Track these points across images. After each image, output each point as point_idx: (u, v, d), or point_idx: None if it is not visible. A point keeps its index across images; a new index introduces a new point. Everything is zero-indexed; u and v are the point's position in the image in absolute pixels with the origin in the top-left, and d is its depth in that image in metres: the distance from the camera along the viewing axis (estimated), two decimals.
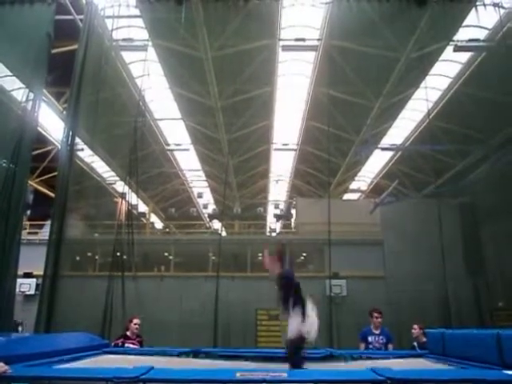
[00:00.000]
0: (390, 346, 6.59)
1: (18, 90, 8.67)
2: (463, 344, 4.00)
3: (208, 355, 4.92)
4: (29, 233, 16.39)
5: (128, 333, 6.54)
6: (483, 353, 3.55)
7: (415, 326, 6.83)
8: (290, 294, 3.87)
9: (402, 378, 2.81)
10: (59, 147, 10.67)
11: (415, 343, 6.69)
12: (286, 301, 3.86)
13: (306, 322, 3.71)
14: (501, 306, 13.86)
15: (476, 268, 14.04)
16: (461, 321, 11.74)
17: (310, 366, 3.75)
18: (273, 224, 23.01)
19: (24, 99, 7.95)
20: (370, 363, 3.94)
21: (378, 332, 6.64)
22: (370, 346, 6.55)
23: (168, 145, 18.68)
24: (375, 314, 6.72)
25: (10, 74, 9.09)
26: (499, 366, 3.23)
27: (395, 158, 19.01)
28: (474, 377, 2.93)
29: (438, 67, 13.05)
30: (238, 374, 2.82)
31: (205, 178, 22.85)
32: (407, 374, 2.92)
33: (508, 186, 11.29)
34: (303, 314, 3.75)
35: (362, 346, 6.69)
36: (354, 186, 23.20)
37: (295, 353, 3.74)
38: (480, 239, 14.40)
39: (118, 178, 19.06)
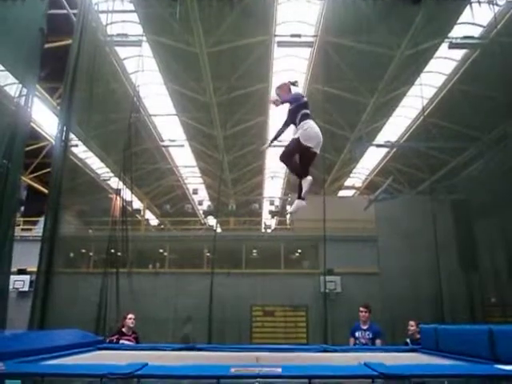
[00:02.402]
0: (378, 342, 6.63)
1: (10, 86, 8.59)
2: (456, 339, 4.04)
3: (202, 351, 4.92)
4: (22, 229, 16.30)
5: (124, 329, 6.53)
6: (475, 348, 3.58)
7: (412, 323, 6.86)
8: (299, 111, 4.30)
9: (394, 373, 2.83)
10: (53, 143, 10.61)
11: (408, 340, 6.74)
12: (295, 117, 4.32)
13: (311, 131, 4.19)
14: (493, 301, 13.97)
15: (469, 264, 14.14)
16: (453, 316, 11.83)
17: (305, 361, 3.76)
18: (268, 220, 23.04)
19: (17, 94, 7.86)
20: (361, 357, 3.96)
21: (365, 327, 6.71)
22: (357, 342, 6.62)
23: (163, 141, 18.61)
24: (360, 309, 6.82)
25: (3, 69, 9.01)
26: (491, 361, 3.26)
27: (390, 154, 19.07)
28: (466, 371, 2.96)
29: (433, 64, 13.09)
30: (232, 370, 2.82)
31: (200, 175, 22.80)
32: (400, 369, 2.93)
33: (502, 182, 11.37)
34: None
35: (351, 341, 6.76)
36: (348, 182, 23.26)
37: (286, 156, 4.29)
38: (474, 236, 14.49)
39: (112, 174, 18.96)
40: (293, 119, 4.37)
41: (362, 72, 13.12)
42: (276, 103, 4.44)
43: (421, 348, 4.89)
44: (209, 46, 12.13)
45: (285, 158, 4.33)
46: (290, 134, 4.52)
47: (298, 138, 4.16)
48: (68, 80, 8.58)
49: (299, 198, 4.46)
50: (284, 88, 4.61)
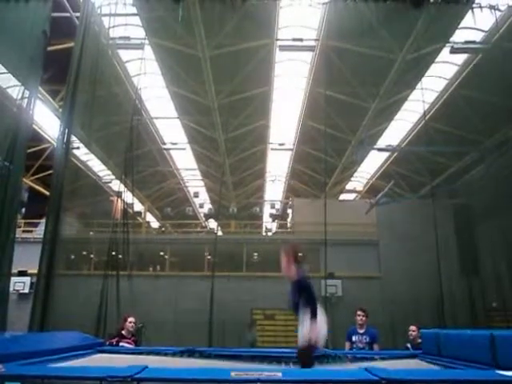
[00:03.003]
0: (376, 346, 6.54)
1: (13, 88, 8.62)
2: (457, 344, 4.02)
3: (203, 355, 4.91)
4: (23, 231, 16.33)
5: (123, 332, 6.52)
6: (477, 353, 3.56)
7: (413, 328, 6.81)
8: (305, 299, 3.81)
9: (395, 378, 2.81)
10: (55, 145, 10.63)
11: (408, 344, 6.70)
12: (298, 305, 3.82)
13: (315, 329, 3.69)
14: (494, 306, 13.94)
15: (470, 268, 14.12)
16: (455, 321, 11.81)
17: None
18: (269, 224, 23.03)
19: (19, 97, 7.89)
20: (362, 362, 3.95)
21: (362, 331, 6.60)
22: (354, 346, 6.53)
23: (164, 144, 18.64)
24: (357, 313, 6.71)
25: (6, 71, 9.05)
26: (492, 367, 3.25)
27: (391, 158, 19.07)
28: (467, 377, 2.94)
29: (435, 69, 13.11)
30: (232, 374, 2.81)
31: (201, 178, 22.83)
32: (401, 375, 2.92)
33: (503, 187, 11.36)
34: (314, 317, 3.73)
35: (347, 345, 6.67)
36: (350, 186, 23.26)
37: (306, 360, 3.69)
38: (475, 240, 14.48)
39: (113, 177, 19.00)
40: (295, 298, 3.88)
41: (363, 76, 13.15)
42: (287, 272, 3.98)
43: (422, 353, 4.86)
44: (211, 50, 12.17)
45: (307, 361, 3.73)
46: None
47: (313, 344, 3.67)
48: (70, 82, 8.60)
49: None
50: (291, 257, 4.06)
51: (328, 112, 13.84)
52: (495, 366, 3.21)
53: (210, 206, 24.05)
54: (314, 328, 3.68)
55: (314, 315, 3.76)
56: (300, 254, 4.07)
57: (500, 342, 3.33)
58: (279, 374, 2.85)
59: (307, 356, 3.69)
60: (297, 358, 3.83)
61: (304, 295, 3.84)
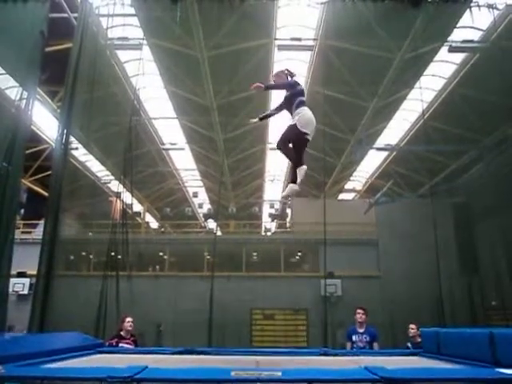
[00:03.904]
0: (376, 345, 6.56)
1: (11, 89, 8.61)
2: (457, 343, 4.02)
3: (202, 355, 4.90)
4: (22, 232, 16.30)
5: (122, 332, 6.51)
6: (477, 351, 3.56)
7: (412, 326, 6.82)
8: (295, 99, 4.40)
9: (395, 376, 2.81)
10: (53, 146, 10.62)
11: (409, 344, 6.71)
12: (291, 104, 4.42)
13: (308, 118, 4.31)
14: (494, 305, 13.95)
15: (470, 267, 14.14)
16: (454, 320, 11.81)
17: (305, 365, 3.75)
18: (268, 223, 23.03)
19: (18, 97, 7.88)
20: (362, 360, 3.94)
21: (362, 330, 6.61)
22: (354, 345, 6.54)
23: (163, 144, 18.62)
24: (357, 311, 6.72)
25: (4, 72, 9.03)
26: (492, 365, 3.25)
27: (390, 158, 19.07)
28: (467, 375, 2.94)
29: (433, 68, 13.12)
30: (232, 373, 2.81)
31: (200, 178, 22.81)
32: (401, 373, 2.92)
33: (502, 185, 11.37)
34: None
35: (348, 345, 6.68)
36: (349, 185, 23.26)
37: (283, 142, 4.40)
38: (474, 239, 14.50)
39: (112, 177, 18.98)
40: (288, 105, 4.51)
41: (362, 75, 13.16)
42: (258, 88, 4.56)
43: (422, 351, 4.86)
44: (209, 50, 12.16)
45: (282, 144, 4.45)
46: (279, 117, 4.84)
47: (296, 124, 4.30)
48: (68, 83, 8.59)
49: (292, 182, 4.52)
50: (281, 75, 4.74)
51: (326, 111, 13.83)
52: (495, 364, 3.22)
53: (209, 206, 24.03)
54: (303, 116, 4.30)
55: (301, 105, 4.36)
56: (292, 71, 4.77)
57: (500, 340, 3.34)
58: (279, 374, 2.85)
59: (286, 134, 4.37)
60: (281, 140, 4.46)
61: (298, 98, 4.41)
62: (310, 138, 4.34)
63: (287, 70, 4.77)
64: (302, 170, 4.44)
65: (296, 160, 4.46)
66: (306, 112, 4.36)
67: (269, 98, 15.34)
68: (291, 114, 4.46)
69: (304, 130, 4.28)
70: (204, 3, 10.40)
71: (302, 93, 4.53)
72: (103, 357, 4.62)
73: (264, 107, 15.78)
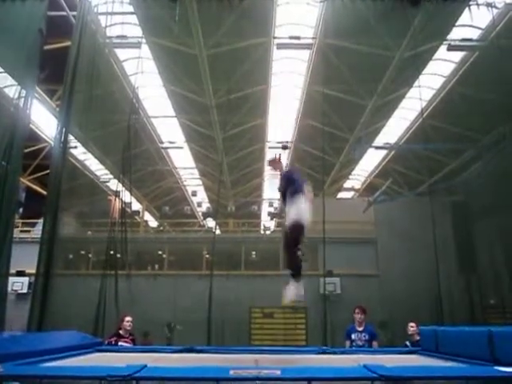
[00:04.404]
0: (375, 344, 6.59)
1: (9, 87, 8.59)
2: (455, 341, 4.03)
3: (201, 353, 4.91)
4: (21, 231, 16.27)
5: (121, 331, 6.53)
6: (475, 350, 3.57)
7: (412, 324, 6.83)
8: (290, 188, 4.34)
9: (394, 375, 2.82)
10: (52, 144, 10.60)
11: (408, 342, 6.72)
12: (286, 193, 4.38)
13: (301, 211, 4.20)
14: (492, 303, 13.97)
15: (468, 266, 14.15)
16: (453, 318, 11.82)
17: (304, 363, 3.76)
18: (267, 222, 23.02)
19: (16, 96, 7.87)
20: (361, 359, 3.95)
21: (361, 329, 6.66)
22: (353, 344, 6.57)
23: (162, 142, 18.61)
24: (356, 311, 6.76)
25: (2, 70, 9.01)
26: (491, 363, 3.26)
27: (389, 156, 19.09)
28: (465, 373, 2.95)
29: (432, 66, 13.11)
30: (231, 372, 2.81)
31: (199, 176, 22.79)
32: (400, 371, 2.93)
33: (500, 184, 11.38)
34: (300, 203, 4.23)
35: (347, 343, 6.71)
36: (347, 184, 23.27)
37: (294, 244, 4.23)
38: (473, 237, 14.51)
39: (111, 176, 18.96)
40: (285, 194, 4.42)
41: (361, 74, 13.15)
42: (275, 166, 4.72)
43: (420, 350, 4.88)
44: (208, 48, 12.15)
45: (293, 246, 4.25)
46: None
47: (301, 222, 4.17)
48: (67, 82, 8.58)
49: (293, 277, 4.22)
50: (276, 164, 4.76)
51: (325, 110, 13.84)
52: (493, 362, 3.23)
53: (208, 204, 24.02)
54: (300, 210, 4.19)
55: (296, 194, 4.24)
56: (284, 145, 4.74)
57: (498, 338, 3.35)
58: (278, 372, 2.86)
59: (295, 232, 4.20)
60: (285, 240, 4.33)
61: (291, 186, 4.34)
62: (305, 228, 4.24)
63: (279, 155, 4.75)
64: (296, 286, 4.15)
65: (298, 268, 4.24)
66: (302, 209, 4.19)
67: (267, 97, 15.36)
68: (287, 200, 4.34)
69: (302, 223, 4.18)
70: (203, 2, 10.39)
71: (298, 185, 4.35)
72: (102, 355, 4.63)
73: (263, 106, 15.84)
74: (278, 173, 4.69)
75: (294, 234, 4.19)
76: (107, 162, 18.19)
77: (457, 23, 11.31)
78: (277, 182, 4.70)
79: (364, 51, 12.04)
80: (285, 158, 4.70)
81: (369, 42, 11.71)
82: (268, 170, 4.61)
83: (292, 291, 4.13)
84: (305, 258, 4.35)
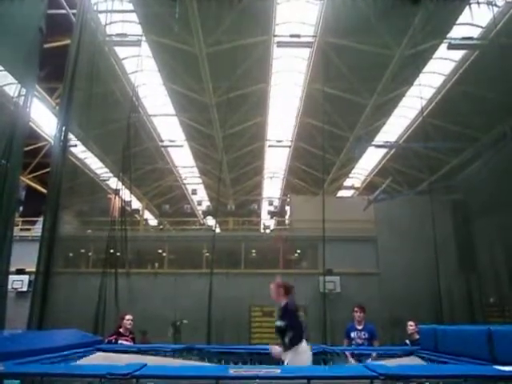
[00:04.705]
0: (376, 343, 6.60)
1: (9, 85, 8.58)
2: (455, 340, 4.04)
3: (201, 352, 4.92)
4: (21, 229, 16.27)
5: (121, 329, 6.53)
6: (474, 348, 3.58)
7: (411, 323, 6.84)
8: (291, 331, 3.84)
9: (393, 373, 2.83)
10: (52, 143, 10.59)
11: (407, 340, 6.72)
12: (285, 335, 3.85)
13: (300, 359, 3.69)
14: (492, 302, 14.00)
15: (468, 264, 14.17)
16: (453, 317, 11.85)
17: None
18: (267, 221, 23.02)
19: (16, 94, 7.85)
20: (361, 359, 3.97)
21: (360, 328, 6.67)
22: (353, 342, 6.58)
23: (162, 141, 18.60)
24: (355, 309, 6.78)
25: (2, 68, 9.00)
26: (490, 362, 3.27)
27: (389, 155, 19.09)
28: (465, 372, 2.96)
29: (432, 65, 13.10)
30: (231, 371, 2.82)
31: (199, 175, 22.80)
32: (399, 370, 2.94)
33: (500, 182, 11.38)
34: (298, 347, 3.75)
35: (345, 341, 6.72)
36: (348, 183, 23.28)
37: None
38: (472, 236, 14.52)
39: (111, 175, 18.96)
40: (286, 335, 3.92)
41: (361, 72, 13.13)
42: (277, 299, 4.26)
43: (420, 349, 4.89)
44: (208, 46, 12.13)
45: None
46: None
47: None
48: (67, 80, 8.56)
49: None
50: (279, 291, 4.35)
51: (326, 109, 13.83)
52: (493, 361, 3.23)
53: (208, 203, 24.04)
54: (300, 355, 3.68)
55: (296, 342, 3.74)
56: (290, 287, 4.27)
57: (497, 337, 3.35)
58: (277, 371, 2.87)
59: None
60: None
61: (289, 328, 3.84)
62: None
63: (284, 285, 4.37)
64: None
65: None
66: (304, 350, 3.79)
67: (267, 95, 15.34)
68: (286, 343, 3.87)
69: None
70: (203, 0, 10.37)
71: (297, 325, 3.98)
72: (102, 354, 4.63)
73: (263, 104, 15.82)
74: (279, 301, 4.25)
75: None
76: (107, 161, 18.19)
77: (457, 22, 11.29)
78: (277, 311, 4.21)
79: (364, 49, 12.03)
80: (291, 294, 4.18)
81: (369, 40, 11.70)
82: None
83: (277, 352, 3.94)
84: None
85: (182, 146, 18.89)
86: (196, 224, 23.74)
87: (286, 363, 3.70)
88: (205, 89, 14.05)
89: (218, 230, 17.01)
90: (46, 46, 9.17)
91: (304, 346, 3.81)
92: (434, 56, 12.70)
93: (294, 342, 3.75)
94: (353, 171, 21.93)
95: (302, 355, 3.72)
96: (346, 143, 17.62)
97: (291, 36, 11.87)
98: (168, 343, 5.43)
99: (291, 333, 3.81)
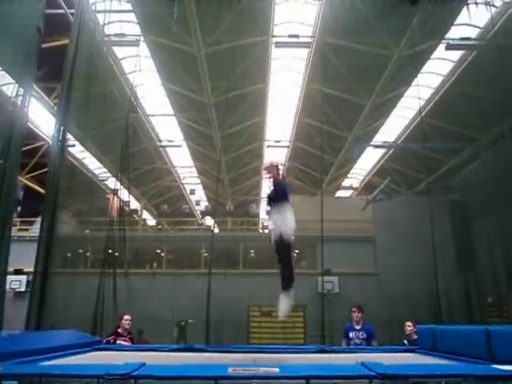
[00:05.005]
0: (374, 343, 6.62)
1: (7, 85, 8.56)
2: (453, 339, 4.04)
3: (200, 352, 4.91)
4: (19, 229, 16.24)
5: (119, 330, 6.53)
6: (473, 348, 3.58)
7: (409, 323, 6.85)
8: (280, 197, 4.46)
9: (392, 373, 2.83)
10: (50, 143, 10.57)
11: (405, 341, 6.73)
12: (275, 200, 4.48)
13: (288, 223, 4.39)
14: (490, 301, 14.02)
15: (466, 264, 14.19)
16: (451, 316, 11.87)
17: (302, 362, 3.76)
18: (265, 221, 23.01)
19: (14, 94, 7.83)
20: (359, 357, 3.96)
21: (358, 327, 6.69)
22: (351, 342, 6.60)
23: (160, 141, 18.59)
24: (353, 309, 6.80)
25: (0, 68, 8.98)
26: (488, 361, 3.27)
27: (387, 155, 19.11)
28: (463, 372, 2.96)
29: (430, 65, 13.13)
30: (230, 370, 2.82)
31: (197, 175, 22.78)
32: (398, 369, 2.94)
33: (499, 183, 11.40)
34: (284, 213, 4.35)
35: (343, 341, 6.74)
36: (346, 183, 23.29)
37: (287, 257, 4.46)
38: (471, 236, 14.54)
39: (109, 175, 18.93)
40: (275, 201, 4.52)
41: (359, 72, 13.15)
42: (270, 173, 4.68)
43: (418, 348, 4.89)
44: (207, 46, 12.13)
45: (288, 255, 4.50)
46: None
47: (288, 241, 4.43)
48: (65, 80, 8.54)
49: (285, 289, 4.44)
50: (272, 171, 4.78)
51: (324, 109, 13.84)
52: (491, 361, 3.24)
53: (207, 203, 24.01)
54: (287, 221, 4.39)
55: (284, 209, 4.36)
56: (280, 168, 4.81)
57: (496, 336, 3.36)
58: (276, 370, 2.86)
59: (286, 247, 4.42)
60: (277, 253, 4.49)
61: (281, 195, 4.45)
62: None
63: (277, 165, 4.84)
64: (288, 298, 4.38)
65: (289, 267, 4.49)
66: (291, 220, 4.43)
67: (265, 96, 15.34)
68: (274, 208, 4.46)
69: (291, 238, 4.45)
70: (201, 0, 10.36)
71: (287, 193, 4.54)
72: (100, 354, 4.62)
73: (262, 104, 15.81)
74: (272, 179, 4.72)
75: (285, 248, 4.39)
76: (105, 161, 18.15)
77: (455, 22, 11.32)
78: (269, 186, 4.68)
79: (363, 50, 12.05)
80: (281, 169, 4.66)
81: (367, 40, 11.71)
82: (263, 174, 4.68)
83: (286, 304, 4.37)
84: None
85: (180, 146, 18.88)
86: (194, 224, 23.72)
87: (270, 223, 4.45)
88: (203, 89, 14.04)
89: (216, 230, 17.00)
90: (44, 45, 9.16)
91: (288, 207, 4.43)
92: (432, 56, 12.73)
93: (283, 204, 4.39)
94: (351, 171, 21.95)
95: (286, 215, 4.40)
96: (344, 143, 17.63)
97: (290, 36, 11.89)
98: (169, 343, 5.41)
99: (281, 197, 4.44)
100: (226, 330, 12.74)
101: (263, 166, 4.93)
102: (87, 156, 17.54)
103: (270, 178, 4.77)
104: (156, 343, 5.98)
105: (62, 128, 8.31)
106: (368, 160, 20.11)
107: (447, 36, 11.68)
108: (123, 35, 11.57)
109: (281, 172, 4.81)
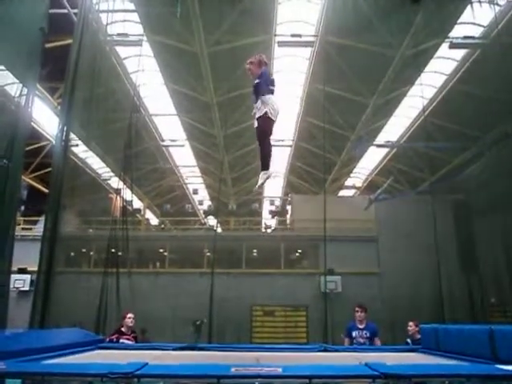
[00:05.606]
0: (378, 342, 6.60)
1: (11, 85, 8.58)
2: (456, 339, 4.03)
3: (203, 351, 4.92)
4: (23, 228, 16.30)
5: (123, 328, 6.54)
6: (476, 348, 3.58)
7: (411, 323, 6.84)
8: (263, 87, 4.43)
9: (395, 373, 2.82)
10: (53, 142, 10.61)
11: (409, 340, 6.72)
12: (258, 92, 4.46)
13: (271, 104, 4.35)
14: (493, 302, 13.97)
15: (469, 264, 14.14)
16: (454, 317, 11.82)
17: (305, 361, 3.76)
18: (268, 220, 23.02)
19: (18, 94, 7.86)
20: (362, 357, 3.95)
21: (362, 326, 6.67)
22: (355, 341, 6.58)
23: (163, 141, 18.60)
24: (356, 309, 6.79)
25: (3, 68, 9.00)
26: (492, 361, 3.26)
27: (390, 154, 19.06)
28: (467, 371, 2.95)
29: (434, 64, 13.08)
30: (232, 369, 2.82)
31: (200, 174, 22.79)
32: (401, 369, 2.93)
33: (502, 182, 11.35)
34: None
35: (346, 341, 6.72)
36: (349, 182, 23.26)
37: (265, 135, 4.49)
38: (474, 236, 14.49)
39: (112, 174, 18.96)
40: (258, 93, 4.53)
41: (362, 72, 13.11)
42: (252, 72, 4.65)
43: (421, 348, 4.88)
44: (209, 46, 12.13)
45: (263, 137, 4.53)
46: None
47: (268, 115, 4.39)
48: (68, 80, 8.57)
49: (263, 169, 4.55)
50: (256, 63, 4.72)
51: (327, 108, 13.81)
52: (495, 360, 3.23)
53: (210, 202, 24.03)
54: (270, 103, 4.34)
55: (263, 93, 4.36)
56: (264, 60, 4.75)
57: (499, 336, 3.35)
58: (279, 370, 2.86)
59: (266, 124, 4.41)
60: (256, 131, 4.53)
61: (264, 83, 4.45)
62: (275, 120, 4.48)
63: (262, 58, 4.76)
64: (266, 174, 4.51)
65: (269, 155, 4.55)
66: (273, 100, 4.44)
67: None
68: (257, 100, 4.52)
69: (274, 118, 4.42)
70: None
71: (272, 82, 4.59)
72: (104, 353, 4.64)
73: None
74: (254, 74, 4.65)
75: (265, 126, 4.43)
76: (108, 160, 18.19)
77: (459, 21, 11.26)
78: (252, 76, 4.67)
79: (366, 49, 12.01)
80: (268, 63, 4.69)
81: (370, 39, 11.68)
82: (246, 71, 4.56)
83: (263, 177, 4.50)
84: None
85: (183, 145, 18.89)
86: (197, 224, 23.76)
87: (254, 112, 4.47)
88: (206, 88, 14.05)
89: (219, 230, 17.02)
90: (48, 45, 9.18)
91: (272, 98, 4.41)
92: (436, 55, 12.68)
93: (262, 93, 4.37)
94: (354, 171, 21.90)
95: (269, 105, 4.35)
96: (347, 143, 17.59)
97: (292, 35, 11.86)
98: (184, 342, 5.41)
99: (265, 84, 4.42)
100: (229, 330, 12.75)
101: (247, 61, 4.84)
102: (90, 156, 17.58)
103: (253, 73, 4.67)
104: (157, 342, 5.98)
105: (65, 128, 8.34)
106: (371, 159, 20.06)
107: (451, 35, 11.63)
108: (126, 35, 11.59)
109: (264, 67, 4.71)
